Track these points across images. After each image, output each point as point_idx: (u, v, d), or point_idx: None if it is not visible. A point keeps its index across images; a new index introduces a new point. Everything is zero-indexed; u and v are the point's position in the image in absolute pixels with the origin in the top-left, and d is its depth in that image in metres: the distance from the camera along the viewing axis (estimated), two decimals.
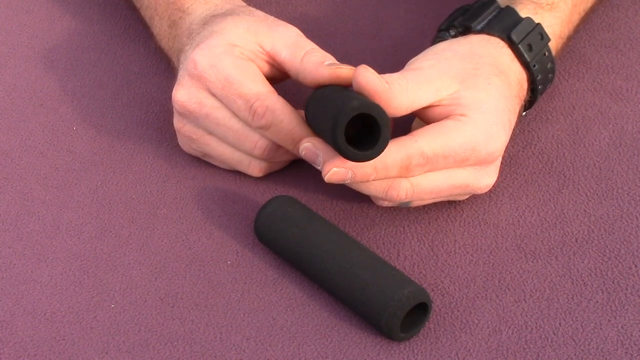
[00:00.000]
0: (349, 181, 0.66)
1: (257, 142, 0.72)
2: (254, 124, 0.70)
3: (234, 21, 0.73)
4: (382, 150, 0.64)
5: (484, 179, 0.70)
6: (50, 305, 0.69)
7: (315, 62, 0.70)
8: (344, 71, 0.68)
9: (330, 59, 0.70)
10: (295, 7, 0.89)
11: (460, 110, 0.68)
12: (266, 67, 0.73)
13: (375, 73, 0.66)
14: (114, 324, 0.68)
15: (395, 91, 0.66)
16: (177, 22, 0.77)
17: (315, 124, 0.68)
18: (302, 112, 0.72)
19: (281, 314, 0.68)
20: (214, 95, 0.71)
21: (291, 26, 0.73)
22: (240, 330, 0.67)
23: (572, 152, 0.76)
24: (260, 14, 0.75)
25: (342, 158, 0.65)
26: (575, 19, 0.78)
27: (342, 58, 0.83)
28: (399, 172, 0.66)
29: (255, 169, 0.74)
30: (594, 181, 0.74)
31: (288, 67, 0.72)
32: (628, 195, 0.73)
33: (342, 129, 0.63)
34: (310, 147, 0.68)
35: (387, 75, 0.67)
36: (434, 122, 0.68)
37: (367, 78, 0.65)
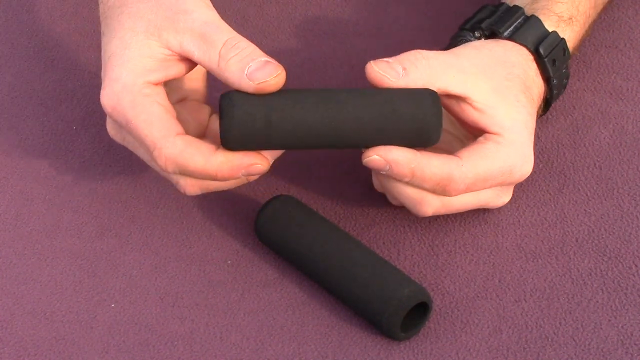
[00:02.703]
0: (384, 172, 0.64)
1: (177, 181, 0.66)
2: (162, 171, 0.66)
3: (132, 24, 0.65)
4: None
5: (504, 197, 0.70)
6: (50, 305, 0.69)
7: (235, 72, 0.62)
8: (270, 86, 0.62)
9: (248, 55, 0.63)
10: (295, 7, 0.89)
11: (495, 128, 0.67)
12: (185, 67, 0.66)
13: (385, 66, 0.64)
14: (114, 323, 0.68)
15: (412, 75, 0.64)
16: None
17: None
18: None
19: (281, 313, 0.68)
20: None
21: (196, 5, 0.65)
22: (241, 330, 0.67)
23: (572, 151, 0.76)
24: None
25: (388, 147, 0.63)
26: (585, 30, 0.78)
27: (342, 58, 0.84)
28: (433, 188, 0.65)
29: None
30: (594, 181, 0.74)
31: (207, 69, 0.64)
32: (628, 195, 0.73)
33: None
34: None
35: (416, 53, 0.65)
36: (463, 120, 0.68)
37: (378, 78, 0.64)
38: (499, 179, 0.67)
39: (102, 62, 0.67)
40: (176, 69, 0.65)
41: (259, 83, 0.62)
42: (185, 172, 0.64)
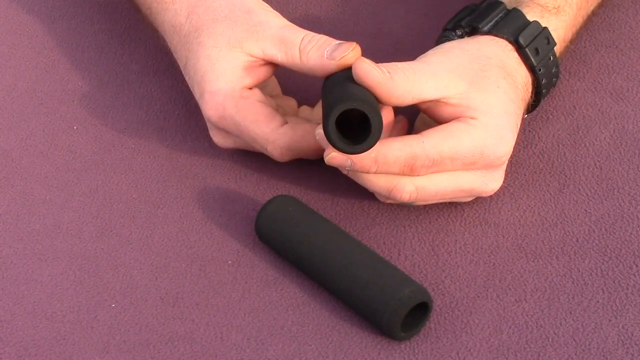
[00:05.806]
0: (348, 168, 0.66)
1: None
2: (280, 160, 0.72)
3: (213, 41, 0.72)
4: (372, 145, 0.63)
5: (491, 183, 0.70)
6: (50, 305, 0.69)
7: (317, 58, 0.69)
8: (350, 58, 0.68)
9: (324, 43, 0.69)
10: (295, 7, 0.89)
11: (470, 112, 0.67)
12: (270, 70, 0.73)
13: (373, 64, 0.65)
14: (115, 323, 0.68)
15: (397, 81, 0.66)
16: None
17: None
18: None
19: (282, 313, 0.68)
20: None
21: (268, 16, 0.72)
22: (241, 330, 0.67)
23: (572, 151, 0.76)
24: (222, 9, 0.73)
25: None
26: (579, 22, 0.78)
27: None
28: (401, 170, 0.66)
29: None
30: (595, 181, 0.74)
31: (290, 67, 0.71)
32: (629, 195, 0.73)
33: (333, 122, 0.63)
34: (322, 133, 0.67)
35: (393, 64, 0.67)
36: (441, 119, 0.68)
37: (364, 70, 0.65)
38: (470, 159, 0.67)
39: (194, 83, 0.73)
40: (262, 72, 0.72)
41: (339, 59, 0.68)
42: (300, 154, 0.72)
